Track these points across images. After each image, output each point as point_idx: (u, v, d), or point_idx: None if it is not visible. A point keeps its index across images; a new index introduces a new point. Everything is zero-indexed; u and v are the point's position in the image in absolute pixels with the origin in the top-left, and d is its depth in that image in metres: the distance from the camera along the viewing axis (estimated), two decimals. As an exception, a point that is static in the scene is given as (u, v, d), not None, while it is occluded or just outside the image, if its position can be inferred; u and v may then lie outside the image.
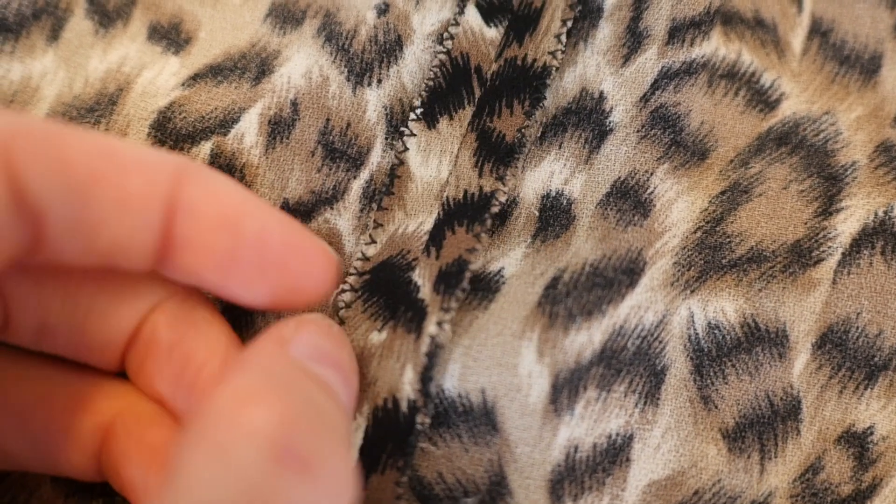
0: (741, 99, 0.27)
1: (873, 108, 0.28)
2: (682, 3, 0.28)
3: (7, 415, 0.23)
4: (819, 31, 0.28)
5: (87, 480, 0.24)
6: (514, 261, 0.26)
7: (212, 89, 0.27)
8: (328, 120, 0.27)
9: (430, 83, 0.28)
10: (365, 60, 0.28)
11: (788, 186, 0.27)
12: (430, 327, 0.24)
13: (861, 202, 0.27)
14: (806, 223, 0.27)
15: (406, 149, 0.27)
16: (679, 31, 0.28)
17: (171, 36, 0.27)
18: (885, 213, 0.27)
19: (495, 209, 0.26)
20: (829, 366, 0.26)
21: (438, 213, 0.26)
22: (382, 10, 0.28)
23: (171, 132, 0.26)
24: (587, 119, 0.28)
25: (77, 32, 0.27)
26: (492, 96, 0.27)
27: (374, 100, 0.27)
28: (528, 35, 0.28)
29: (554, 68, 0.27)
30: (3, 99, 0.26)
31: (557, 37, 0.28)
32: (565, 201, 0.27)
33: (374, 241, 0.26)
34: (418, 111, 0.27)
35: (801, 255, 0.26)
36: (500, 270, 0.26)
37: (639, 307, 0.25)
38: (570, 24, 0.28)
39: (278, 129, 0.27)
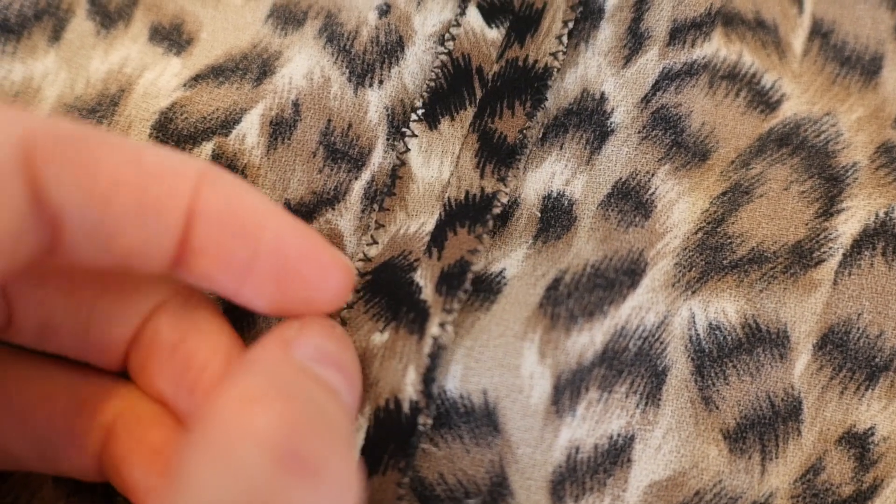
0: (742, 100, 0.27)
1: (874, 109, 0.28)
2: (684, 4, 0.28)
3: (9, 415, 0.23)
4: (820, 33, 0.28)
5: (88, 481, 0.24)
6: (515, 262, 0.26)
7: (213, 90, 0.27)
8: (329, 121, 0.27)
9: (432, 84, 0.28)
10: (366, 61, 0.28)
11: (789, 187, 0.27)
12: (433, 328, 0.24)
13: (862, 203, 0.27)
14: (807, 224, 0.27)
15: (407, 149, 0.27)
16: (680, 33, 0.28)
17: (172, 37, 0.27)
18: (886, 213, 0.27)
19: (497, 210, 0.26)
20: (830, 367, 0.26)
21: (440, 214, 0.26)
22: (384, 11, 0.28)
23: (172, 133, 0.26)
24: (588, 120, 0.28)
25: (78, 33, 0.27)
26: (493, 97, 0.27)
27: (376, 100, 0.27)
28: (530, 36, 0.28)
29: (555, 69, 0.27)
30: (5, 100, 0.26)
31: (559, 38, 0.28)
32: (566, 202, 0.27)
33: (375, 242, 0.26)
34: (420, 112, 0.27)
35: (802, 256, 0.26)
36: (501, 271, 0.26)
37: (640, 308, 0.25)
38: (571, 25, 0.28)
39: (280, 129, 0.27)
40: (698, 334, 0.26)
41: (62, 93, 0.26)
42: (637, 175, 0.27)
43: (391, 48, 0.28)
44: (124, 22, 0.27)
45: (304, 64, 0.27)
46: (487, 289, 0.26)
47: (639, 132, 0.27)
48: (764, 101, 0.27)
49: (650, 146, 0.27)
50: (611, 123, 0.28)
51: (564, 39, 0.28)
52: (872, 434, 0.26)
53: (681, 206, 0.26)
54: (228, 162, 0.26)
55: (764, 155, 0.27)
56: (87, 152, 0.20)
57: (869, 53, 0.28)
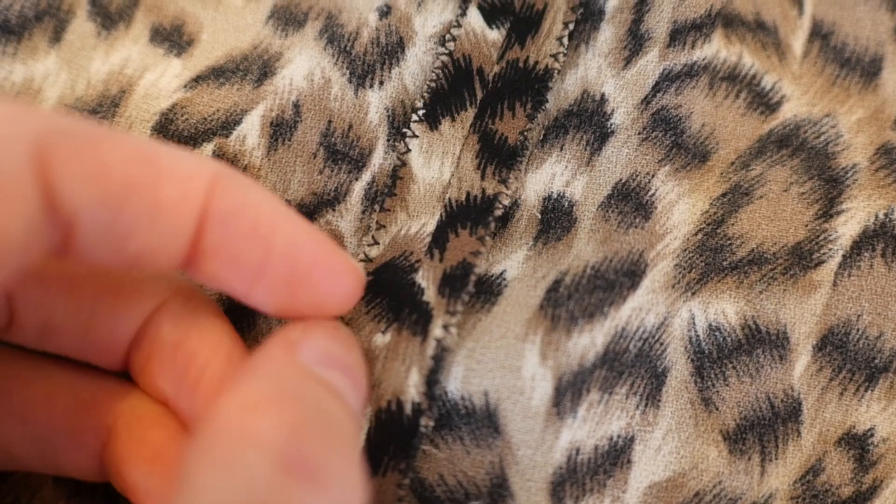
0: (742, 101, 0.27)
1: (874, 110, 0.28)
2: (684, 5, 0.28)
3: (10, 415, 0.23)
4: (820, 34, 0.28)
5: (89, 481, 0.24)
6: (515, 263, 0.26)
7: (214, 91, 0.27)
8: (330, 122, 0.27)
9: (433, 84, 0.28)
10: (367, 62, 0.28)
11: (789, 189, 0.27)
12: (436, 330, 0.24)
13: (862, 204, 0.27)
14: (807, 225, 0.27)
15: (408, 150, 0.27)
16: (680, 34, 0.28)
17: (173, 38, 0.27)
18: (886, 215, 0.27)
19: (498, 212, 0.26)
20: (830, 368, 0.26)
21: (441, 215, 0.26)
22: (384, 13, 0.28)
23: (172, 134, 0.26)
24: (588, 121, 0.28)
25: (79, 34, 0.27)
26: (494, 98, 0.27)
27: (376, 101, 0.28)
28: (530, 37, 0.28)
29: (556, 71, 0.27)
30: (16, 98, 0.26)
31: (559, 39, 0.28)
32: (567, 203, 0.27)
33: (376, 243, 0.26)
34: (420, 112, 0.27)
35: (802, 258, 0.26)
36: (502, 273, 0.26)
37: (640, 309, 0.25)
38: (571, 26, 0.28)
39: (280, 130, 0.27)
40: (698, 335, 0.26)
41: (63, 94, 0.26)
42: (637, 176, 0.27)
43: (392, 49, 0.28)
44: (125, 23, 0.27)
45: (304, 65, 0.27)
46: (488, 290, 0.26)
47: (639, 133, 0.27)
48: (764, 102, 0.27)
49: (650, 147, 0.27)
50: (611, 125, 0.28)
51: (565, 41, 0.28)
52: (872, 435, 0.26)
53: (681, 207, 0.26)
54: (229, 163, 0.26)
55: (764, 156, 0.27)
56: (101, 152, 0.20)
57: (869, 55, 0.28)
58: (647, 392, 0.25)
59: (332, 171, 0.27)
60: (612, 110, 0.28)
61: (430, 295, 0.25)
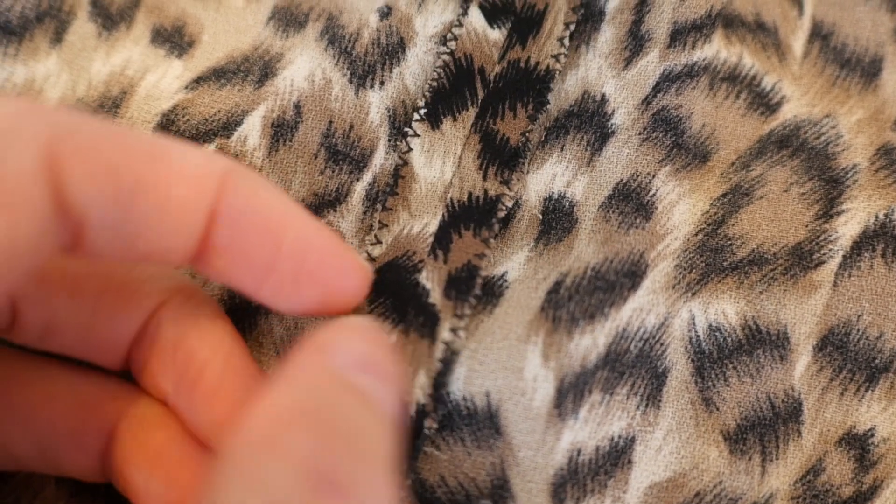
0: (742, 102, 0.27)
1: (874, 111, 0.28)
2: (684, 6, 0.28)
3: (12, 416, 0.23)
4: (820, 35, 0.29)
5: (91, 482, 0.24)
6: (517, 265, 0.26)
7: (215, 92, 0.27)
8: (331, 122, 0.27)
9: (434, 84, 0.28)
10: (367, 63, 0.28)
11: (789, 189, 0.27)
12: (445, 333, 0.24)
13: (862, 205, 0.27)
14: (807, 226, 0.27)
15: (410, 149, 0.27)
16: (680, 35, 0.28)
17: (174, 39, 0.27)
18: (886, 215, 0.27)
19: (501, 214, 0.26)
20: (830, 368, 0.26)
21: (443, 215, 0.26)
22: (385, 13, 0.28)
23: (174, 135, 0.26)
24: (589, 121, 0.28)
25: (80, 35, 0.27)
26: (495, 98, 0.27)
27: (377, 102, 0.28)
28: (532, 37, 0.28)
29: (557, 72, 0.27)
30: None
31: (560, 40, 0.28)
32: (567, 204, 0.27)
33: (379, 242, 0.26)
34: (422, 112, 0.27)
35: (802, 258, 0.26)
36: (503, 275, 0.26)
37: (641, 310, 0.25)
38: (572, 27, 0.28)
39: (281, 131, 0.27)
40: (698, 336, 0.26)
41: (64, 95, 0.26)
42: (638, 176, 0.27)
43: (392, 49, 0.28)
44: (126, 24, 0.27)
45: (305, 66, 0.27)
46: (490, 292, 0.26)
47: (639, 134, 0.27)
48: (764, 103, 0.27)
49: (651, 148, 0.27)
50: (611, 125, 0.28)
51: (566, 42, 0.28)
52: (872, 435, 0.26)
53: (681, 207, 0.26)
54: None
55: (764, 157, 0.27)
56: (110, 150, 0.20)
57: (869, 56, 0.28)
58: (648, 392, 0.25)
59: (333, 171, 0.27)
60: (613, 111, 0.28)
61: (436, 297, 0.25)
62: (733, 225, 0.26)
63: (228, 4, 0.28)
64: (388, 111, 0.28)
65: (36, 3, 0.27)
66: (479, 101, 0.28)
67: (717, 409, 0.26)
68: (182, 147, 0.21)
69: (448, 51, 0.28)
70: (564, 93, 0.28)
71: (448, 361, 0.24)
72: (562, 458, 0.24)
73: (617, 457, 0.25)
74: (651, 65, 0.28)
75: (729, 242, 0.26)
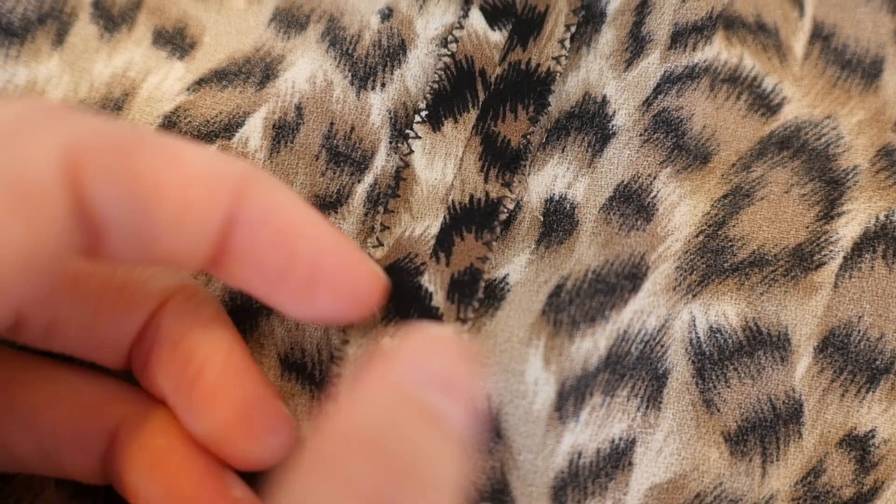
0: (743, 103, 0.27)
1: (875, 112, 0.28)
2: (685, 7, 0.28)
3: (14, 416, 0.23)
4: (821, 36, 0.28)
5: (91, 484, 0.24)
6: (518, 267, 0.26)
7: (216, 94, 0.27)
8: (332, 124, 0.27)
9: (435, 86, 0.28)
10: (369, 65, 0.28)
11: (790, 190, 0.27)
12: None
13: (862, 206, 0.27)
14: (807, 227, 0.27)
15: (411, 151, 0.27)
16: (681, 36, 0.28)
17: (175, 41, 0.28)
18: (887, 217, 0.27)
19: (503, 216, 0.26)
20: (831, 369, 0.26)
21: (444, 217, 0.26)
22: (386, 15, 0.28)
23: (175, 136, 0.26)
24: (590, 123, 0.28)
25: (82, 37, 0.27)
26: (496, 100, 0.27)
27: (378, 104, 0.28)
28: (533, 39, 0.28)
29: (558, 73, 0.27)
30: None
31: (561, 42, 0.28)
32: (568, 205, 0.27)
33: (381, 244, 0.26)
34: (423, 114, 0.27)
35: (803, 259, 0.26)
36: (504, 277, 0.26)
37: (641, 312, 0.25)
38: (573, 28, 0.28)
39: (282, 133, 0.27)
40: (699, 337, 0.26)
41: (66, 96, 0.27)
42: (639, 178, 0.27)
43: (393, 51, 0.28)
44: (128, 26, 0.27)
45: (306, 68, 0.27)
46: (491, 295, 0.26)
47: (640, 135, 0.27)
48: (765, 104, 0.27)
49: (652, 149, 0.27)
50: (612, 126, 0.28)
51: (567, 43, 0.28)
52: (873, 436, 0.26)
53: (682, 209, 0.26)
54: None
55: (765, 158, 0.27)
56: (130, 156, 0.20)
57: (870, 57, 0.28)
58: (649, 394, 0.25)
59: (334, 173, 0.27)
60: (614, 112, 0.28)
61: (439, 300, 0.25)
62: (734, 226, 0.26)
63: (230, 6, 0.28)
64: (390, 113, 0.28)
65: (38, 5, 0.27)
66: (481, 103, 0.28)
67: (718, 411, 0.26)
68: (201, 150, 0.21)
69: (449, 53, 0.28)
70: (565, 94, 0.28)
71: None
72: (562, 461, 0.24)
73: (617, 459, 0.25)
74: (652, 66, 0.28)
75: (730, 244, 0.26)
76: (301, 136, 0.27)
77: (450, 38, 0.28)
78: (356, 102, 0.27)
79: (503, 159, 0.27)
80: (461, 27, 0.28)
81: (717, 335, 0.26)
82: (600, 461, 0.25)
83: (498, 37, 0.28)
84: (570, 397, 0.24)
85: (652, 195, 0.26)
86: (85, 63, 0.27)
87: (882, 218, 0.27)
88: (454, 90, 0.28)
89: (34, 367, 0.24)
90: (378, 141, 0.27)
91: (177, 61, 0.27)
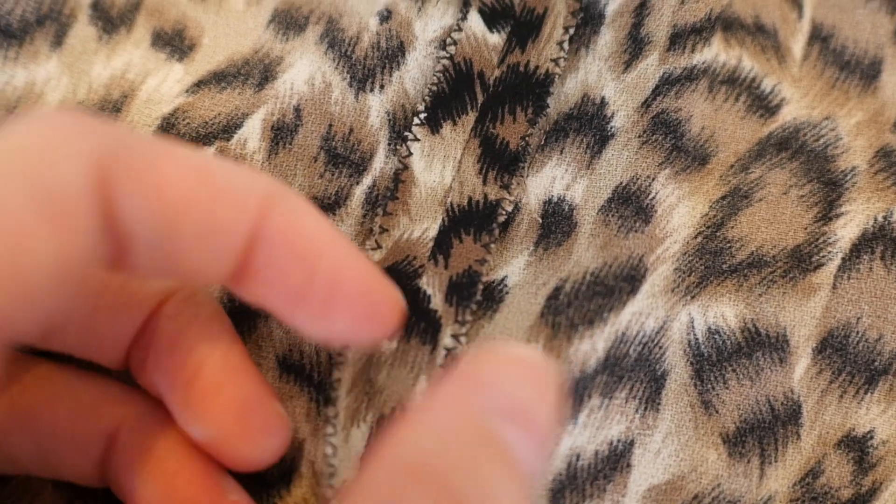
0: (741, 104, 0.27)
1: (873, 113, 0.28)
2: (684, 9, 0.28)
3: (13, 418, 0.23)
4: (819, 37, 0.28)
5: (89, 486, 0.24)
6: (516, 269, 0.26)
7: (215, 95, 0.27)
8: (331, 126, 0.27)
9: (434, 88, 0.28)
10: (367, 66, 0.28)
11: (788, 191, 0.27)
12: (446, 340, 0.24)
13: (861, 207, 0.27)
14: (806, 228, 0.27)
15: (410, 153, 0.27)
16: (680, 38, 0.28)
17: (174, 42, 0.27)
18: (885, 218, 0.27)
19: (502, 218, 0.26)
20: (830, 370, 0.26)
21: (443, 220, 0.26)
22: (385, 17, 0.28)
23: (174, 138, 0.26)
24: (588, 124, 0.28)
25: (81, 38, 0.27)
26: (494, 102, 0.27)
27: (377, 105, 0.28)
28: (531, 41, 0.28)
29: (556, 76, 0.27)
30: (7, 105, 0.26)
31: (560, 44, 0.28)
32: (567, 207, 0.27)
33: (379, 247, 0.26)
34: (422, 115, 0.27)
35: (802, 260, 0.26)
36: (503, 279, 0.26)
37: (640, 314, 0.25)
38: (572, 31, 0.28)
39: (281, 134, 0.27)
40: (697, 339, 0.26)
41: (64, 98, 0.27)
42: (637, 179, 0.27)
43: (392, 53, 0.28)
44: (126, 27, 0.27)
45: (305, 69, 0.27)
46: (490, 297, 0.26)
47: (639, 136, 0.27)
48: (763, 105, 0.27)
49: (650, 150, 0.27)
50: (611, 128, 0.28)
51: (565, 46, 0.28)
52: (871, 437, 0.26)
53: (680, 210, 0.26)
54: None
55: (763, 159, 0.27)
56: (161, 173, 0.20)
57: (868, 58, 0.28)
58: (647, 396, 0.25)
59: (332, 174, 0.27)
60: (613, 113, 0.28)
61: (438, 303, 0.25)
62: (732, 227, 0.26)
63: (229, 7, 0.28)
64: (388, 115, 0.28)
65: (36, 7, 0.27)
66: (479, 106, 0.28)
67: (717, 412, 0.26)
68: (228, 166, 0.21)
69: (448, 55, 0.28)
70: (564, 96, 0.28)
71: (449, 367, 0.24)
72: (560, 463, 0.24)
73: (616, 461, 0.25)
74: (651, 68, 0.28)
75: (728, 245, 0.26)
76: (299, 138, 0.27)
77: (448, 40, 0.28)
78: (355, 104, 0.27)
79: (502, 161, 0.27)
80: (460, 29, 0.28)
81: (716, 336, 0.26)
82: (598, 463, 0.25)
83: (496, 39, 0.28)
84: (569, 400, 0.24)
85: (650, 197, 0.26)
86: (83, 65, 0.27)
87: (880, 219, 0.27)
88: (453, 92, 0.28)
89: (33, 369, 0.24)
90: (376, 143, 0.27)
91: (176, 63, 0.27)
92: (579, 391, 0.24)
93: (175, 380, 0.23)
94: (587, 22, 0.28)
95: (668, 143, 0.27)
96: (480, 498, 0.18)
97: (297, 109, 0.27)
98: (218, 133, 0.27)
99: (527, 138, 0.27)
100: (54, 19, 0.27)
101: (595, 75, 0.28)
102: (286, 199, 0.21)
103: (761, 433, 0.26)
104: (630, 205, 0.26)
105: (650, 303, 0.25)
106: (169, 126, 0.26)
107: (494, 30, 0.28)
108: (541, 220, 0.27)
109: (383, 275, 0.22)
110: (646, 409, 0.25)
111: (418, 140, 0.27)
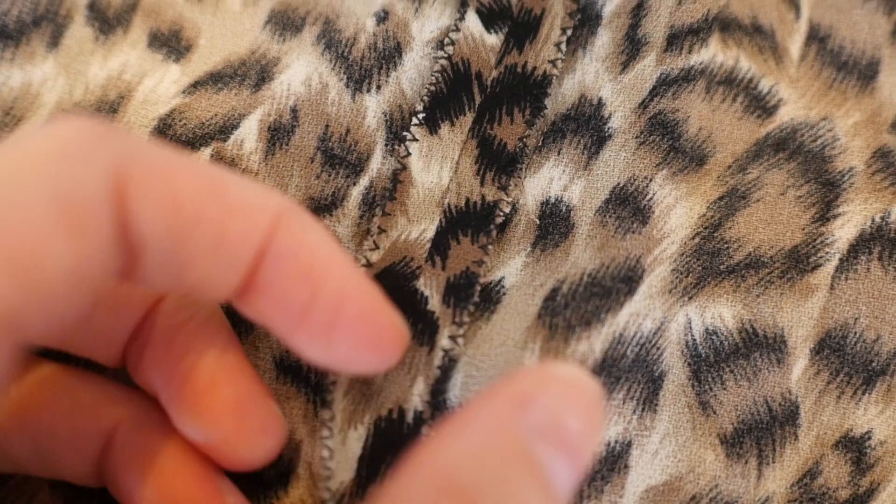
0: (739, 105, 0.27)
1: (870, 113, 0.28)
2: (681, 10, 0.28)
3: (11, 418, 0.23)
4: (817, 37, 0.28)
5: (86, 486, 0.24)
6: (514, 270, 0.26)
7: (212, 96, 0.27)
8: (327, 126, 0.27)
9: (432, 88, 0.28)
10: (364, 67, 0.28)
11: (786, 192, 0.27)
12: (444, 341, 0.24)
13: (858, 208, 0.27)
14: (803, 229, 0.27)
15: (409, 153, 0.27)
16: (677, 39, 0.28)
17: (171, 43, 0.27)
18: (882, 218, 0.27)
19: (499, 220, 0.26)
20: (827, 371, 0.26)
21: (440, 221, 0.26)
22: (382, 18, 0.28)
23: (171, 139, 0.26)
24: (586, 125, 0.28)
25: (77, 39, 0.27)
26: (492, 103, 0.27)
27: (374, 106, 0.28)
28: (528, 42, 0.28)
29: (554, 77, 0.27)
30: (3, 106, 0.26)
31: (557, 45, 0.28)
32: (564, 208, 0.27)
33: (377, 247, 0.26)
34: (420, 116, 0.27)
35: (799, 261, 0.26)
36: (500, 280, 0.26)
37: (637, 315, 0.25)
38: (569, 32, 0.28)
39: (278, 135, 0.27)
40: (694, 339, 0.26)
41: (61, 99, 0.27)
42: (635, 180, 0.27)
43: (389, 54, 0.28)
44: (123, 28, 0.27)
45: (302, 70, 0.27)
46: (487, 298, 0.26)
47: (636, 137, 0.27)
48: (761, 105, 0.27)
49: (648, 151, 0.27)
50: (608, 129, 0.28)
51: (563, 46, 0.28)
52: (869, 438, 0.26)
53: (678, 211, 0.26)
54: (226, 167, 0.26)
55: (761, 160, 0.27)
56: (175, 184, 0.20)
57: (865, 58, 0.28)
58: (645, 396, 0.25)
59: (329, 175, 0.27)
60: (610, 114, 0.28)
61: (435, 304, 0.25)
62: (730, 228, 0.26)
63: (226, 8, 0.28)
64: (385, 116, 0.28)
65: (33, 7, 0.27)
66: (477, 107, 0.28)
67: (714, 413, 0.26)
68: (241, 181, 0.21)
69: (445, 56, 0.28)
70: (561, 97, 0.28)
71: (446, 369, 0.24)
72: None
73: (613, 461, 0.25)
74: (648, 69, 0.28)
75: (725, 246, 0.26)
76: (296, 139, 0.27)
77: (446, 40, 0.28)
78: (351, 105, 0.27)
79: (499, 162, 0.27)
80: (457, 30, 0.28)
81: (713, 337, 0.26)
82: (596, 464, 0.25)
83: (494, 40, 0.28)
84: None
85: (648, 197, 0.26)
86: (80, 66, 0.27)
87: (878, 219, 0.27)
88: (451, 93, 0.28)
89: (31, 368, 0.24)
90: (373, 143, 0.27)
91: (172, 64, 0.27)
92: None
93: (170, 378, 0.23)
94: (584, 23, 0.28)
95: (666, 144, 0.27)
96: None
97: (294, 110, 0.27)
98: (214, 134, 0.26)
99: (524, 139, 0.27)
100: (51, 20, 0.27)
101: (592, 76, 0.28)
102: (297, 218, 0.21)
103: (759, 434, 0.26)
104: (627, 206, 0.26)
105: (647, 304, 0.25)
106: (165, 127, 0.26)
107: (492, 30, 0.28)
108: (538, 221, 0.27)
109: (388, 302, 0.22)
110: (643, 409, 0.25)
111: (417, 140, 0.27)
